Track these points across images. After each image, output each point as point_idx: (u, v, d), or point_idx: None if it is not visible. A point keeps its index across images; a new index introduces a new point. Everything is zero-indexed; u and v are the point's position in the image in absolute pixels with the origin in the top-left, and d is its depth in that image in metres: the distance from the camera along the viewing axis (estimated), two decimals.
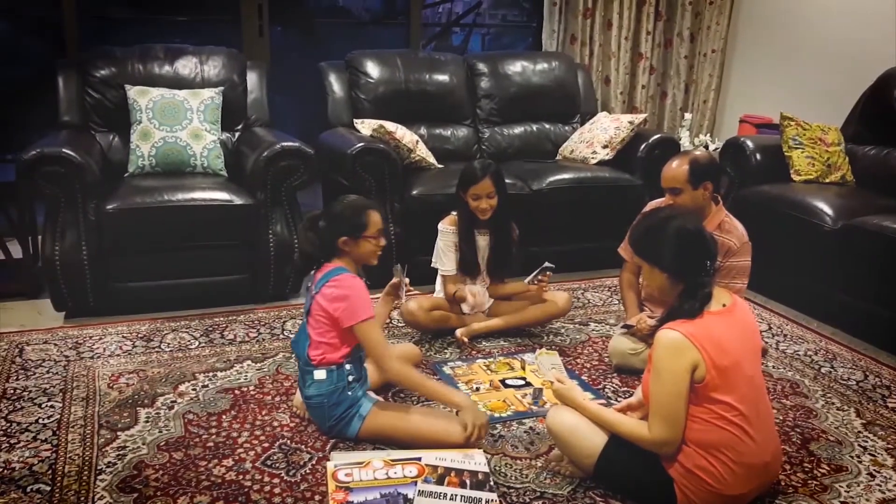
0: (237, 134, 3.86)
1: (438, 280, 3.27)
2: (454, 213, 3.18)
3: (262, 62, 4.18)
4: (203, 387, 2.70)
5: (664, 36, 5.25)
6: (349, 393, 2.37)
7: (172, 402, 2.59)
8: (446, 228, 3.17)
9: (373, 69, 4.16)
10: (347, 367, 2.36)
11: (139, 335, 3.10)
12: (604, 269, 4.00)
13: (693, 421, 1.98)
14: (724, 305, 2.05)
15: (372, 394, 2.49)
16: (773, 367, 3.04)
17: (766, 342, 3.27)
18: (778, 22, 5.03)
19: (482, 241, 3.19)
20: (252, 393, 2.66)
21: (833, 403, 2.75)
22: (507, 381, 2.81)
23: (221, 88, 3.76)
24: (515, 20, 6.45)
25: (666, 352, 1.97)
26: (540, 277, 3.11)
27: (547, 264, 3.09)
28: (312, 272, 2.44)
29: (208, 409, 2.54)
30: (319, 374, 2.35)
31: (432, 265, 3.24)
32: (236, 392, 2.66)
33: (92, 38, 4.35)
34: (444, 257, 3.17)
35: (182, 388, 2.68)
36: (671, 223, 2.06)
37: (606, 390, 2.79)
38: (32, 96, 4.35)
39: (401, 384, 2.56)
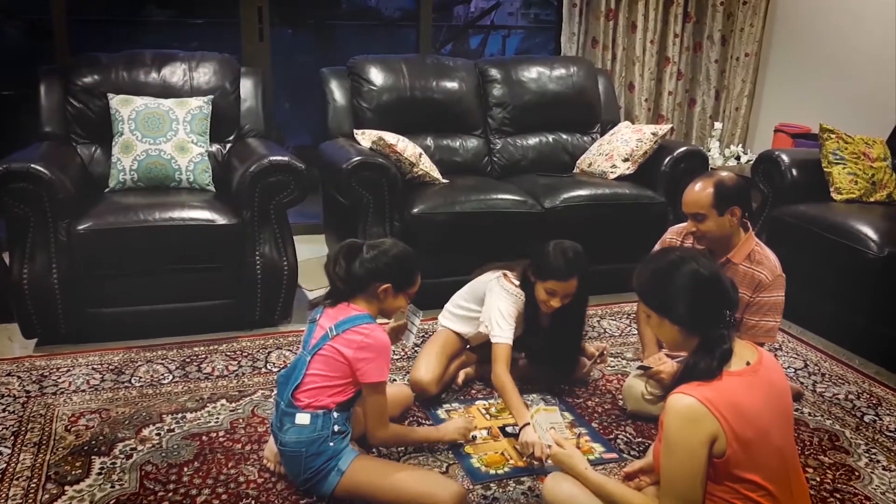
0: (228, 145, 3.61)
1: (445, 318, 2.90)
2: (511, 276, 2.66)
3: (259, 68, 3.92)
4: (168, 431, 2.44)
5: (693, 39, 4.91)
6: (331, 444, 2.11)
7: (132, 449, 2.33)
8: (515, 291, 2.62)
9: (376, 76, 3.89)
10: (335, 415, 2.11)
11: (110, 367, 2.86)
12: (622, 292, 3.68)
13: (712, 502, 1.68)
14: (747, 363, 1.74)
15: (354, 445, 2.22)
16: (809, 413, 2.70)
17: (801, 383, 2.93)
18: (818, 23, 4.65)
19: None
20: (221, 440, 2.40)
21: (879, 462, 2.41)
22: (508, 429, 2.51)
23: (211, 97, 3.51)
24: (549, 19, 6.13)
25: (679, 422, 1.67)
26: (598, 361, 2.86)
27: (598, 344, 2.86)
28: (323, 305, 2.21)
29: (169, 459, 2.28)
30: (302, 419, 2.09)
31: (481, 328, 2.69)
32: (203, 438, 2.40)
33: (88, 43, 4.15)
34: (508, 323, 2.58)
35: (146, 431, 2.43)
36: (683, 268, 1.75)
37: (618, 441, 2.49)
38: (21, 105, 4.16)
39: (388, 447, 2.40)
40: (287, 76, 5.78)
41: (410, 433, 2.41)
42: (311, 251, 4.29)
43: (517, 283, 2.64)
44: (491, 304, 2.63)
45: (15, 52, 4.96)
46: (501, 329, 2.58)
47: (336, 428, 2.11)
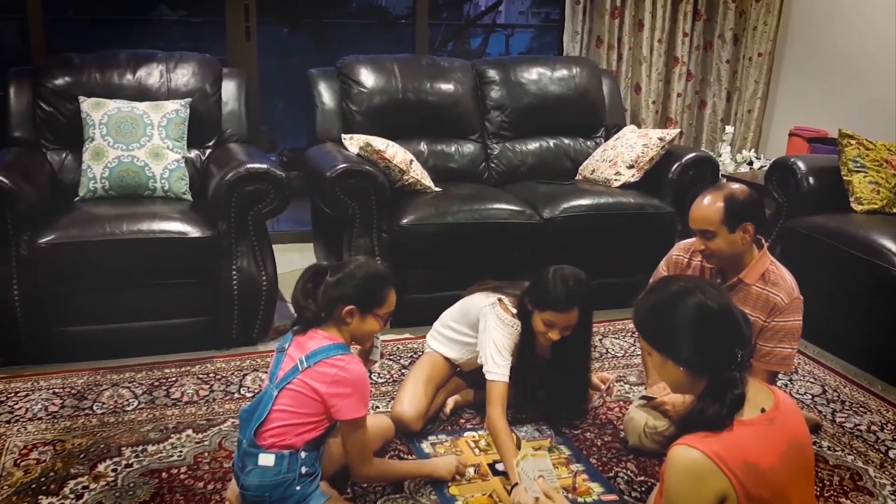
0: (208, 151, 3.41)
1: (434, 340, 2.67)
2: (507, 303, 2.40)
3: (242, 69, 3.71)
4: (126, 466, 2.23)
5: (703, 38, 4.66)
6: (297, 488, 1.91)
7: (84, 488, 2.13)
8: (510, 321, 2.36)
9: (366, 77, 3.67)
10: (303, 455, 1.91)
11: (73, 391, 2.66)
12: (626, 308, 3.44)
13: None
14: (762, 410, 1.52)
15: (324, 486, 2.01)
16: (829, 448, 2.47)
17: (819, 412, 2.70)
18: (836, 21, 4.40)
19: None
20: (182, 477, 2.19)
21: None
22: (498, 466, 2.29)
23: (189, 100, 3.30)
24: (556, 19, 5.89)
25: (682, 478, 1.45)
26: (606, 398, 2.64)
27: (602, 375, 2.61)
28: (291, 332, 2.03)
29: (123, 501, 2.08)
30: (266, 460, 1.89)
31: (479, 361, 2.40)
32: (163, 475, 2.19)
33: (77, 45, 3.95)
34: (501, 357, 2.32)
35: (101, 467, 2.23)
36: (687, 300, 1.53)
37: (619, 479, 2.27)
38: None
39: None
40: (285, 77, 5.59)
41: (397, 468, 2.22)
42: (302, 261, 4.07)
43: (513, 311, 2.39)
44: (486, 336, 2.37)
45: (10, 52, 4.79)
46: (497, 365, 2.31)
47: (304, 470, 1.91)
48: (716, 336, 1.52)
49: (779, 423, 1.52)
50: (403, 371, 2.86)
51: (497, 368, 2.32)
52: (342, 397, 1.90)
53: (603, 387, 2.58)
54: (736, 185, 2.34)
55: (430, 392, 2.49)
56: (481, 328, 2.42)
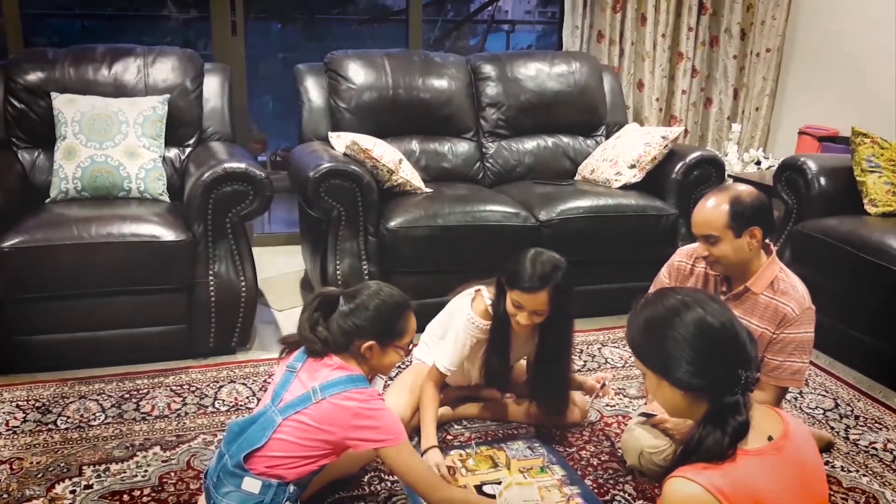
0: (188, 150, 3.26)
1: (420, 349, 2.54)
2: (486, 293, 2.30)
3: (227, 65, 3.56)
4: (86, 487, 2.08)
5: (709, 32, 4.49)
6: None
7: None
8: (477, 321, 2.27)
9: (355, 73, 3.52)
10: (291, 489, 1.76)
11: (37, 404, 2.50)
12: (627, 315, 3.27)
13: None
14: (769, 438, 1.36)
15: None
16: (842, 468, 2.30)
17: (832, 429, 2.53)
18: (847, 15, 4.22)
19: (519, 339, 2.36)
20: (145, 500, 2.04)
21: None
22: (486, 488, 2.13)
23: (167, 96, 3.15)
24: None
25: None
26: (600, 395, 2.44)
27: (598, 375, 2.46)
28: (305, 352, 1.85)
29: None
30: (251, 485, 1.73)
31: (420, 344, 2.47)
32: (125, 498, 2.04)
33: (53, 41, 3.82)
34: (453, 353, 2.28)
35: (59, 488, 2.07)
36: (685, 315, 1.37)
37: (615, 503, 2.10)
38: None
39: None
40: (277, 75, 5.45)
41: (468, 497, 2.01)
42: (290, 265, 3.94)
43: (489, 302, 2.26)
44: (451, 328, 2.33)
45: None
46: (444, 354, 2.30)
47: None
48: (717, 356, 1.36)
49: (788, 453, 1.35)
50: (390, 384, 2.69)
51: (443, 357, 2.30)
52: (368, 429, 1.75)
53: (598, 386, 2.41)
54: (742, 187, 2.17)
55: (413, 402, 2.33)
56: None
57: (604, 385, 2.43)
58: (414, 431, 2.31)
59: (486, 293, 2.30)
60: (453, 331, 2.31)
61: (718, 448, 1.31)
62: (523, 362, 2.53)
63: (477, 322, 2.28)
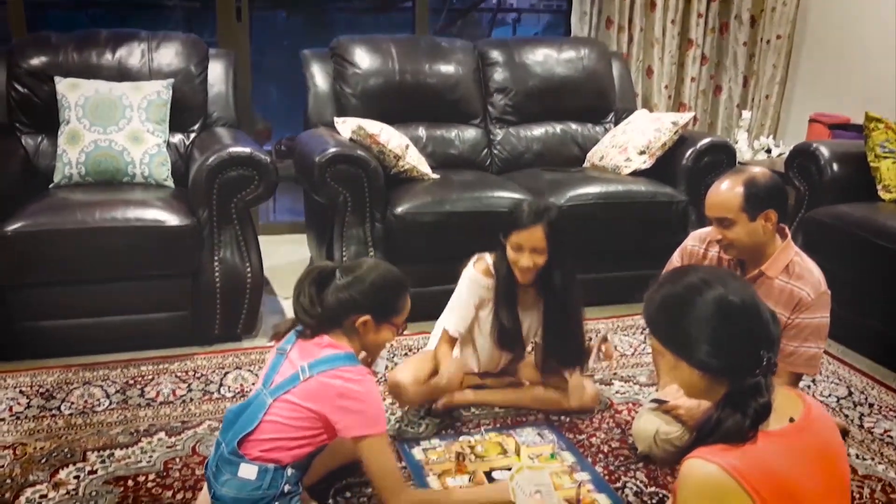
0: (192, 135, 3.22)
1: (433, 335, 2.53)
2: (488, 255, 2.36)
3: (231, 51, 3.52)
4: (90, 473, 2.05)
5: (719, 19, 4.44)
6: None
7: (42, 497, 1.95)
8: (478, 279, 2.32)
9: (361, 58, 3.47)
10: (289, 472, 1.72)
11: (41, 390, 2.48)
12: (637, 303, 3.22)
13: None
14: (791, 420, 1.32)
15: (304, 497, 1.82)
16: (857, 456, 2.26)
17: (846, 417, 2.49)
18: (858, 3, 4.17)
19: (526, 300, 2.37)
20: (149, 486, 2.01)
21: None
22: (495, 474, 2.10)
23: (172, 81, 3.11)
24: None
25: (697, 497, 1.26)
26: (601, 356, 2.33)
27: (596, 337, 2.35)
28: (295, 333, 1.82)
29: None
30: (247, 472, 1.70)
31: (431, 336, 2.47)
32: (129, 483, 2.01)
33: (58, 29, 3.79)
34: (459, 313, 2.34)
35: (63, 474, 2.05)
36: (705, 293, 1.33)
37: (627, 490, 2.07)
38: None
39: None
40: (282, 64, 5.41)
41: (444, 498, 1.93)
42: (295, 253, 3.91)
43: (491, 261, 2.33)
44: (454, 294, 2.39)
45: None
46: (453, 319, 2.35)
47: (286, 488, 1.72)
48: (738, 336, 1.31)
49: (810, 435, 1.32)
50: (389, 366, 2.66)
51: (451, 322, 2.35)
52: (349, 412, 1.70)
53: (599, 340, 2.33)
54: (757, 169, 2.13)
55: (427, 368, 2.32)
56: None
57: (606, 340, 2.34)
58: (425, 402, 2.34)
59: (487, 256, 2.35)
60: (457, 293, 2.35)
61: (739, 430, 1.27)
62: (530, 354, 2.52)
63: (479, 280, 2.32)
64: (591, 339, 2.39)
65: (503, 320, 2.33)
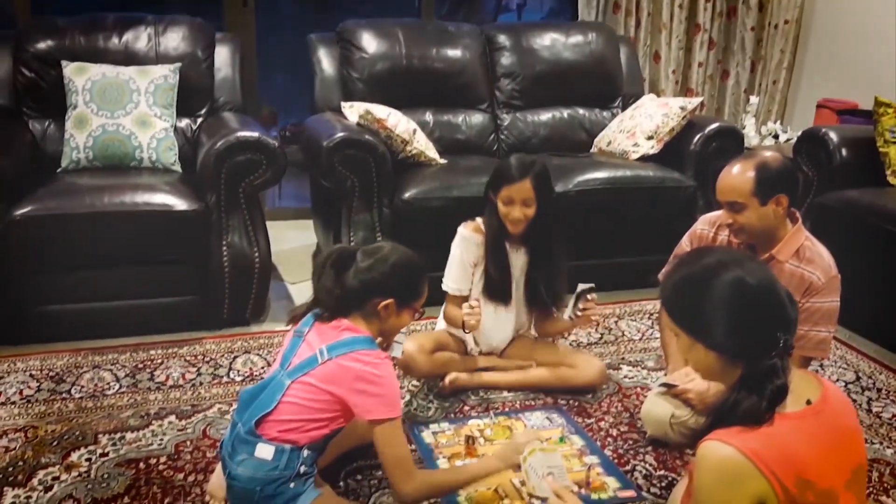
0: (199, 120, 3.22)
1: (440, 321, 2.57)
2: (479, 218, 2.45)
3: (237, 35, 3.51)
4: (101, 456, 2.06)
5: (726, 3, 4.43)
6: (291, 486, 1.71)
7: (54, 479, 1.96)
8: (469, 236, 2.43)
9: (368, 42, 3.46)
10: (305, 454, 1.73)
11: (51, 373, 2.49)
12: (644, 288, 3.23)
13: None
14: (808, 402, 1.32)
15: (316, 479, 1.83)
16: (866, 441, 2.26)
17: (854, 401, 2.49)
18: None
19: (517, 259, 2.45)
20: (161, 468, 2.02)
21: None
22: None
23: (179, 65, 3.11)
24: None
25: (714, 479, 1.26)
26: (581, 306, 2.33)
27: (582, 286, 2.33)
28: (312, 316, 1.82)
29: (95, 493, 1.91)
30: (264, 451, 1.70)
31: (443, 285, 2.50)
32: (141, 466, 2.02)
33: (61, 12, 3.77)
34: (456, 271, 2.44)
35: (74, 456, 2.06)
36: (723, 275, 1.33)
37: (636, 473, 2.07)
38: None
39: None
40: (288, 51, 5.37)
41: (451, 477, 1.91)
42: (302, 238, 3.91)
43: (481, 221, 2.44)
44: (450, 257, 2.47)
45: None
46: (452, 279, 2.45)
47: (302, 469, 1.73)
48: (755, 317, 1.31)
49: (827, 417, 1.32)
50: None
51: (452, 281, 2.44)
52: (367, 395, 1.70)
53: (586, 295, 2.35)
54: (768, 153, 2.13)
55: (435, 341, 2.44)
56: None
57: (590, 293, 2.34)
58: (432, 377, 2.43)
59: (477, 219, 2.46)
60: (451, 254, 2.45)
61: (756, 412, 1.28)
62: (524, 341, 2.57)
63: (470, 237, 2.42)
64: (579, 289, 2.37)
65: (493, 274, 2.41)
